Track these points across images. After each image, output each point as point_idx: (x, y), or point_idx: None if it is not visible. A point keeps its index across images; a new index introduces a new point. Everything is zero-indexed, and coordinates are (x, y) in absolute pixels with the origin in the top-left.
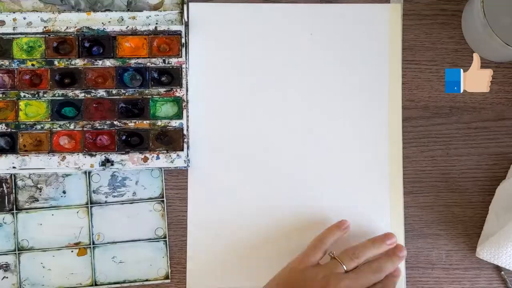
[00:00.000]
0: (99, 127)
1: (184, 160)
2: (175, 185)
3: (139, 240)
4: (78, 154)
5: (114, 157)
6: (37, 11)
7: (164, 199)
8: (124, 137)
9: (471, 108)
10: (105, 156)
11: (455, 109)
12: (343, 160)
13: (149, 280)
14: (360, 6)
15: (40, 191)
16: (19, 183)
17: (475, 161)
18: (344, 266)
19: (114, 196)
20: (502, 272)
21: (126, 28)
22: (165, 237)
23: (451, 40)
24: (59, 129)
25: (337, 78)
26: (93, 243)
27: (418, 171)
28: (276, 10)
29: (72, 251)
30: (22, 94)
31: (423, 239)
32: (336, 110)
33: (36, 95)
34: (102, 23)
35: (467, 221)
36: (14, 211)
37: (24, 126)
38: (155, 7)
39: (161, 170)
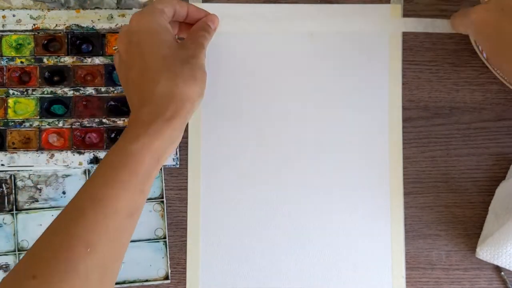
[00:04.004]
0: (88, 125)
1: (173, 159)
2: (175, 186)
3: (139, 240)
4: (66, 152)
5: (102, 155)
6: (26, 9)
7: (164, 199)
8: (113, 135)
9: (471, 109)
10: (93, 154)
11: (455, 110)
12: (343, 160)
13: (149, 281)
14: (360, 7)
15: (40, 192)
16: (19, 183)
17: (475, 161)
18: None
19: None
20: (502, 273)
21: (116, 25)
22: (165, 238)
23: (451, 40)
24: (47, 126)
25: (337, 79)
26: None
27: (418, 171)
28: (276, 10)
29: None
30: (11, 91)
31: (423, 240)
32: (336, 110)
33: (25, 93)
34: (92, 20)
35: (467, 222)
36: (14, 212)
37: (12, 123)
38: (144, 5)
39: (161, 170)
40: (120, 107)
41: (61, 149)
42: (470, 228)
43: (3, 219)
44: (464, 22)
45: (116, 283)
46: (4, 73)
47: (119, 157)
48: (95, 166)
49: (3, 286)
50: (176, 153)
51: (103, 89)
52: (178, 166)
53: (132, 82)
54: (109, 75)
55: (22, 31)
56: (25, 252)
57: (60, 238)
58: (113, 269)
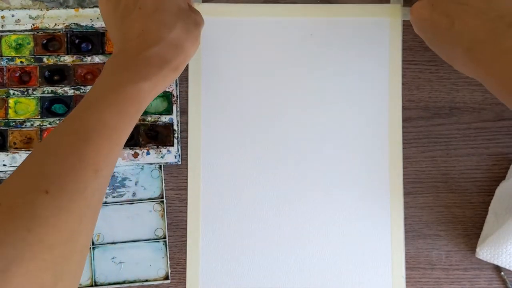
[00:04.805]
0: None
1: (175, 156)
2: (175, 186)
3: (139, 240)
4: None
5: None
6: (25, 8)
7: (164, 199)
8: None
9: (471, 109)
10: None
11: (455, 110)
12: (343, 160)
13: (149, 281)
14: (360, 7)
15: None
16: None
17: (475, 161)
18: None
19: (114, 197)
20: (502, 273)
21: None
22: (164, 238)
23: None
24: (49, 126)
25: (337, 79)
26: (93, 244)
27: (418, 171)
28: (276, 10)
29: None
30: (11, 91)
31: (423, 240)
32: (336, 111)
33: (26, 93)
34: (91, 19)
35: (467, 222)
36: None
37: (13, 123)
38: None
39: (161, 170)
40: None
41: None
42: (470, 228)
43: None
44: (411, 20)
45: (116, 283)
46: (4, 73)
47: (130, 92)
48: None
49: (11, 197)
50: (178, 150)
51: None
52: (180, 163)
53: (138, 16)
54: None
55: (21, 31)
56: None
57: (72, 159)
58: (105, 191)
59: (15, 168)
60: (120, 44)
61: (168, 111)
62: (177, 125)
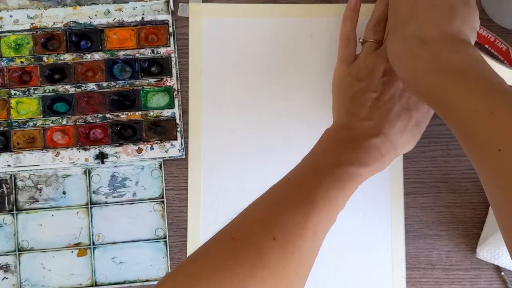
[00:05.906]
0: (91, 121)
1: (179, 149)
2: (175, 186)
3: (139, 240)
4: (72, 149)
5: (108, 150)
6: (23, 8)
7: (164, 199)
8: (117, 130)
9: None
10: (99, 150)
11: None
12: None
13: (149, 281)
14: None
15: (40, 192)
16: (19, 183)
17: None
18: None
19: (114, 197)
20: (502, 273)
21: (113, 20)
22: (165, 238)
23: None
24: (51, 125)
25: None
26: (93, 244)
27: (418, 171)
28: (276, 10)
29: (72, 252)
30: (12, 92)
31: (423, 240)
32: None
33: (27, 92)
34: (89, 16)
35: (467, 222)
36: (14, 212)
37: (16, 124)
38: None
39: (161, 170)
40: (122, 101)
41: (66, 146)
42: (470, 228)
43: (4, 219)
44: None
45: (116, 283)
46: (5, 74)
47: (351, 173)
48: (99, 162)
49: (246, 235)
50: (182, 144)
51: (104, 84)
52: (183, 156)
53: (371, 104)
54: (109, 70)
55: (20, 31)
56: (25, 252)
57: (298, 217)
58: (315, 257)
59: (19, 168)
60: (345, 119)
61: (170, 105)
62: (180, 118)
